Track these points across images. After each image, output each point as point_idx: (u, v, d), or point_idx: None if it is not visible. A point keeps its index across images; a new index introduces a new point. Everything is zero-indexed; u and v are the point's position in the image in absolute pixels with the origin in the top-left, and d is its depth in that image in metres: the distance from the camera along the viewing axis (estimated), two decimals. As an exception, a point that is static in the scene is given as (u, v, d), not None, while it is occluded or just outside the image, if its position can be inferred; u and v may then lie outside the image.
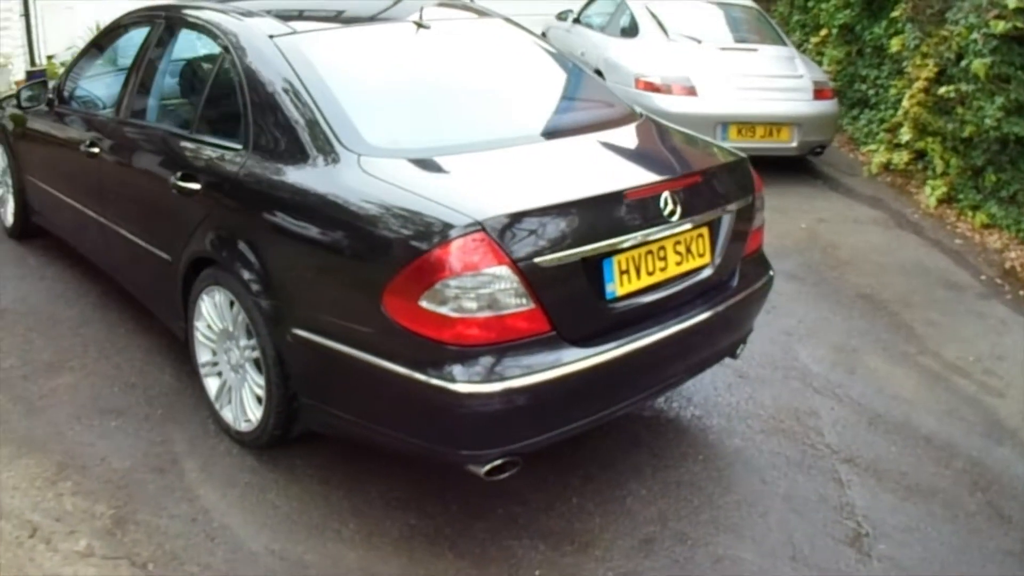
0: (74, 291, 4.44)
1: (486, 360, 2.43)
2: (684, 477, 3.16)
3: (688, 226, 2.84)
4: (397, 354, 2.49)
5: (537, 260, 2.45)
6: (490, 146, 2.92)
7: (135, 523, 2.79)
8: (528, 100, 3.44)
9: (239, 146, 3.05)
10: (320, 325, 2.70)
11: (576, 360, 2.54)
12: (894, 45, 6.94)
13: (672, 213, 2.76)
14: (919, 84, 6.26)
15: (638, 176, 2.88)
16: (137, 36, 3.92)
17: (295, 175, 2.82)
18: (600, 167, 2.99)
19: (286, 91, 2.95)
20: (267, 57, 3.08)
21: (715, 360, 3.30)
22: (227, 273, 3.01)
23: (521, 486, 2.98)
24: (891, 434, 3.53)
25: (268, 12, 3.41)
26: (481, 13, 3.93)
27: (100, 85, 4.17)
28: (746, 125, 6.76)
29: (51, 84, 4.45)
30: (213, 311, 3.16)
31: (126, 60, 3.96)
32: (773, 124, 6.79)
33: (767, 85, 6.86)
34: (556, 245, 2.50)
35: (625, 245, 2.67)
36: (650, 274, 2.77)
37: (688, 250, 2.89)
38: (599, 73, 7.64)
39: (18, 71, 7.41)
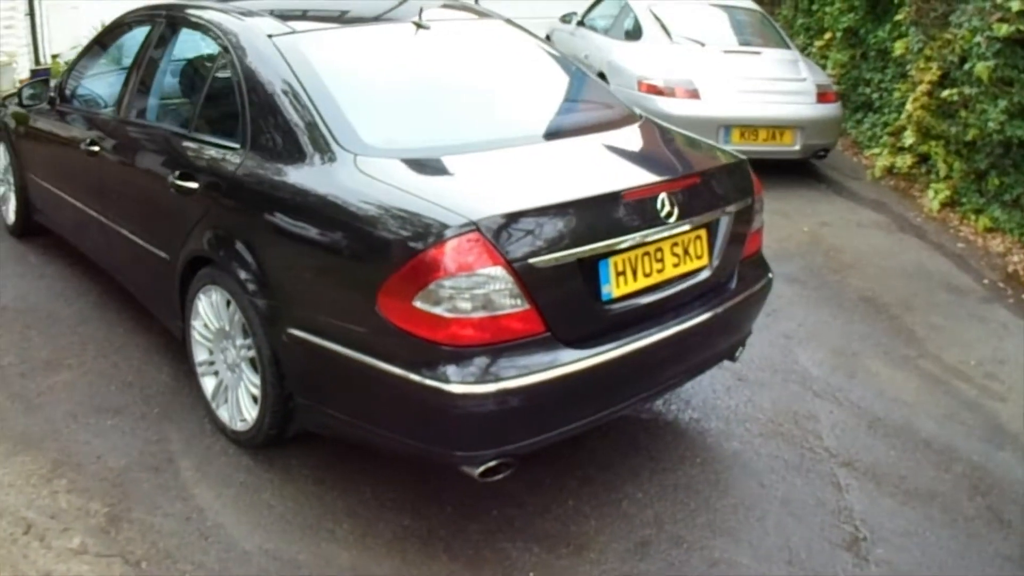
0: (74, 289, 4.44)
1: (480, 361, 2.42)
2: (681, 480, 3.15)
3: (686, 227, 2.83)
4: (392, 354, 2.48)
5: (532, 261, 2.44)
6: (488, 147, 2.92)
7: (129, 521, 2.78)
8: (527, 101, 3.43)
9: (237, 145, 3.05)
10: (315, 325, 2.70)
11: (571, 361, 2.53)
12: (898, 48, 6.93)
13: (669, 214, 2.74)
14: (922, 87, 6.24)
15: (635, 177, 2.87)
16: (138, 35, 3.92)
17: (292, 174, 2.82)
18: (597, 168, 2.98)
19: (284, 91, 2.95)
20: (265, 57, 3.08)
21: (713, 362, 3.29)
22: (224, 272, 3.01)
23: (517, 488, 2.97)
24: (891, 438, 3.51)
25: (268, 12, 3.41)
26: (481, 14, 3.92)
27: (101, 84, 4.18)
28: (749, 128, 6.74)
29: (52, 83, 4.45)
30: (210, 310, 3.16)
31: (127, 59, 3.97)
32: (776, 127, 6.77)
33: (770, 88, 6.84)
34: (551, 246, 2.49)
35: (622, 246, 2.65)
36: (647, 276, 2.76)
37: (686, 252, 2.88)
38: (602, 76, 7.65)
39: (23, 70, 7.43)
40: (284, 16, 3.37)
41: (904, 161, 6.68)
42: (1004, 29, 5.29)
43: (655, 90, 6.89)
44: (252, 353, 2.97)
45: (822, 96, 6.91)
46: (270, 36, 3.14)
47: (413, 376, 2.43)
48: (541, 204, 2.53)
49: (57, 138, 4.29)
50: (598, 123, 3.35)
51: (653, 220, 2.72)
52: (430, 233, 2.40)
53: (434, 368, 2.41)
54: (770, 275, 3.35)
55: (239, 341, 3.04)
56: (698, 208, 2.88)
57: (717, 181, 3.07)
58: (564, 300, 2.56)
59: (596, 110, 3.57)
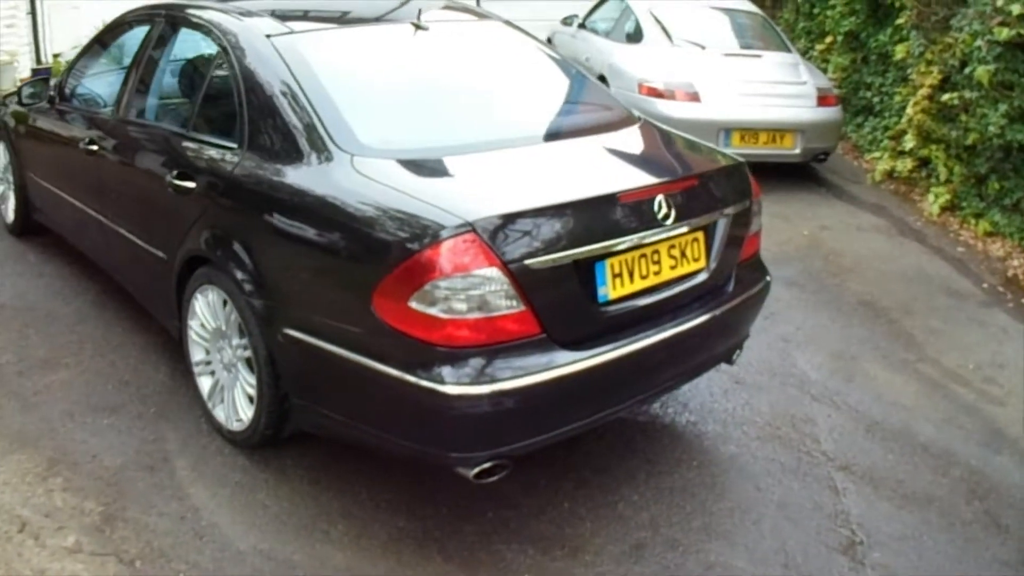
0: (72, 288, 4.44)
1: (476, 362, 2.42)
2: (677, 483, 3.14)
3: (682, 230, 2.82)
4: (387, 355, 2.48)
5: (528, 262, 2.44)
6: (485, 148, 2.91)
7: (124, 520, 2.78)
8: (525, 102, 3.43)
9: (234, 145, 3.05)
10: (311, 325, 2.70)
11: (567, 363, 2.52)
12: (899, 52, 6.92)
13: (666, 216, 2.74)
14: (923, 91, 6.24)
15: (632, 179, 2.87)
16: (137, 34, 3.92)
17: (288, 174, 2.82)
18: (594, 170, 2.98)
19: (281, 91, 2.95)
20: (263, 56, 3.08)
21: (710, 365, 3.28)
22: (220, 272, 3.01)
23: (513, 490, 2.97)
24: (888, 442, 3.50)
25: (267, 12, 3.41)
26: (480, 15, 3.92)
27: (100, 83, 4.18)
28: (749, 131, 6.74)
29: (52, 82, 4.46)
30: (207, 310, 3.16)
31: (126, 58, 3.97)
32: (776, 130, 6.77)
33: (771, 91, 6.84)
34: (547, 247, 2.49)
35: (618, 248, 2.65)
36: (643, 278, 2.76)
37: (683, 254, 2.88)
38: (603, 78, 7.64)
39: (24, 69, 7.43)
40: (283, 16, 3.37)
41: (904, 165, 6.68)
42: (1005, 33, 5.28)
43: (655, 93, 6.89)
44: (248, 353, 2.96)
45: (822, 99, 6.90)
46: (268, 36, 3.14)
47: (408, 377, 2.43)
48: (537, 205, 2.53)
49: (56, 137, 4.30)
50: (596, 125, 3.35)
51: (650, 222, 2.71)
52: (426, 234, 2.40)
53: (429, 369, 2.41)
54: (768, 278, 3.34)
55: (235, 341, 3.04)
56: (695, 210, 2.87)
57: (715, 183, 3.06)
58: (560, 302, 2.56)
59: (594, 112, 3.57)
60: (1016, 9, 5.21)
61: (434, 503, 2.93)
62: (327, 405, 2.79)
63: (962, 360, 4.23)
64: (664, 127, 3.52)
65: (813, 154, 6.97)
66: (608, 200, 2.66)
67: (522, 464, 2.75)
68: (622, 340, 2.67)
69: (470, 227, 2.38)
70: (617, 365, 2.65)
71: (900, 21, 6.99)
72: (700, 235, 2.93)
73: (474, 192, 2.67)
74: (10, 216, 5.05)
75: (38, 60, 7.74)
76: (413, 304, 2.39)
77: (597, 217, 2.63)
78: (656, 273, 2.80)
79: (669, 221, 2.75)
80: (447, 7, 3.94)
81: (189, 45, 3.59)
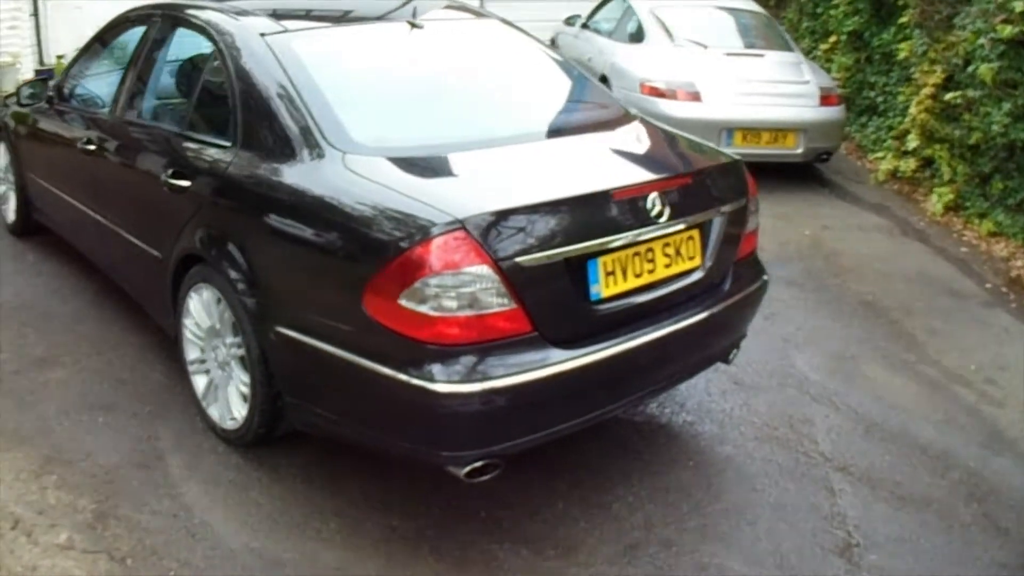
0: (71, 288, 4.44)
1: (466, 360, 2.41)
2: (673, 483, 3.12)
3: (677, 228, 2.80)
4: (377, 353, 2.47)
5: (519, 260, 2.43)
6: (479, 145, 2.90)
7: (116, 518, 2.78)
8: (520, 100, 3.42)
9: (228, 143, 3.05)
10: (303, 323, 2.69)
11: (558, 361, 2.51)
12: (902, 51, 6.89)
13: (660, 214, 2.72)
14: (927, 90, 6.21)
15: (625, 176, 2.84)
16: (134, 34, 3.93)
17: (281, 173, 2.81)
18: (588, 167, 2.96)
19: (274, 89, 2.95)
20: (257, 55, 3.08)
21: (706, 364, 3.27)
22: (214, 270, 3.00)
23: (506, 489, 2.95)
24: (887, 443, 3.48)
25: (263, 11, 3.41)
26: (477, 14, 3.91)
27: (97, 83, 4.18)
28: (751, 131, 6.71)
29: (51, 82, 4.47)
30: (201, 308, 3.16)
31: (123, 58, 3.97)
32: (778, 130, 6.74)
33: (773, 91, 6.81)
34: (539, 245, 2.47)
35: (611, 246, 2.63)
36: (637, 276, 2.74)
37: (677, 252, 2.86)
38: (605, 78, 7.63)
39: (27, 70, 7.45)
40: (279, 15, 3.38)
41: (908, 165, 6.64)
42: (1008, 31, 5.25)
43: (657, 92, 6.86)
44: (242, 352, 2.96)
45: (825, 99, 6.87)
46: (263, 35, 3.14)
47: (398, 375, 2.42)
48: (528, 203, 2.52)
49: (54, 137, 4.30)
50: (591, 122, 3.34)
51: (643, 220, 2.70)
52: (416, 231, 2.39)
53: (419, 367, 2.40)
54: (765, 277, 3.32)
55: (229, 339, 3.03)
56: (690, 208, 2.85)
57: (710, 181, 3.05)
58: (552, 300, 2.54)
59: (590, 110, 3.56)
60: (1019, 6, 5.18)
61: (427, 502, 2.91)
62: (319, 404, 2.78)
63: (963, 361, 4.20)
64: (660, 125, 3.50)
65: (816, 154, 6.93)
66: (601, 197, 2.65)
67: (516, 463, 2.74)
68: (615, 339, 2.66)
69: (460, 224, 2.37)
70: (610, 364, 2.63)
71: (903, 20, 6.96)
72: (695, 233, 2.91)
73: (465, 189, 2.66)
74: (11, 216, 5.06)
75: (41, 61, 7.76)
76: (403, 302, 2.38)
77: (589, 214, 2.61)
78: (650, 271, 2.78)
79: (663, 219, 2.73)
80: (444, 6, 3.93)
81: (185, 44, 3.59)
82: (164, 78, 3.70)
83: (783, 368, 4.03)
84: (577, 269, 2.58)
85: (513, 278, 2.42)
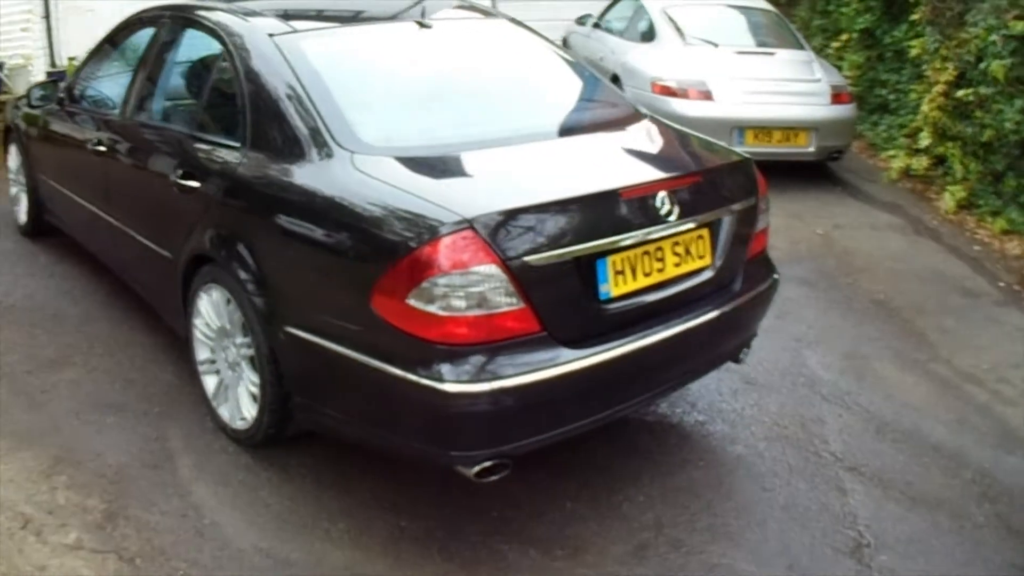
0: (81, 289, 4.46)
1: (475, 359, 2.40)
2: (683, 483, 3.11)
3: (686, 226, 2.79)
4: (386, 353, 2.46)
5: (528, 259, 2.42)
6: (487, 145, 2.90)
7: (126, 518, 2.79)
8: (529, 99, 3.41)
9: (237, 144, 3.05)
10: (312, 323, 2.69)
11: (567, 361, 2.50)
12: (914, 49, 6.84)
13: (669, 213, 2.71)
14: (938, 88, 6.17)
15: (634, 175, 2.83)
16: (144, 36, 3.95)
17: (290, 173, 2.82)
18: (597, 166, 2.95)
19: (283, 89, 2.95)
20: (266, 55, 3.08)
21: (716, 364, 3.25)
22: (224, 271, 3.01)
23: (517, 489, 2.94)
24: (899, 443, 3.45)
25: (272, 12, 3.42)
26: (486, 13, 3.91)
27: (107, 84, 4.20)
28: (763, 130, 6.68)
29: (62, 83, 4.49)
30: (211, 309, 3.16)
31: (133, 59, 3.98)
32: (790, 128, 6.70)
33: (784, 89, 6.77)
34: (547, 244, 2.46)
35: (620, 245, 2.62)
36: (647, 275, 2.73)
37: (687, 251, 2.84)
38: (616, 78, 7.62)
39: (38, 72, 7.49)
40: (288, 16, 3.38)
41: (920, 163, 6.60)
42: (1020, 27, 5.22)
43: (668, 91, 6.84)
44: (251, 352, 2.96)
45: (836, 97, 6.83)
46: (271, 36, 3.14)
47: (407, 375, 2.42)
48: (537, 202, 2.51)
49: (65, 138, 4.33)
50: (601, 121, 3.33)
51: (653, 219, 2.69)
52: (424, 230, 2.39)
53: (428, 367, 2.39)
54: (776, 276, 3.30)
55: (239, 340, 3.04)
56: (699, 207, 2.84)
57: (720, 180, 3.03)
58: (561, 299, 2.54)
59: (599, 108, 3.55)
60: (1032, 3, 5.15)
61: (437, 503, 2.91)
62: (329, 404, 2.78)
63: (976, 360, 4.17)
64: (670, 124, 3.48)
65: (827, 152, 6.89)
66: (609, 196, 2.64)
67: (526, 463, 2.73)
68: (624, 338, 2.65)
69: (468, 224, 2.36)
70: (619, 363, 2.62)
71: (915, 17, 6.91)
72: (705, 232, 2.90)
73: (474, 189, 2.66)
74: (23, 217, 5.09)
75: (53, 63, 7.79)
76: (412, 301, 2.37)
77: (598, 213, 2.60)
78: (660, 270, 2.77)
79: (672, 217, 2.72)
80: (453, 6, 3.92)
81: (194, 45, 3.59)
82: (174, 79, 3.71)
83: (794, 367, 4.01)
84: (586, 268, 2.57)
85: (522, 277, 2.41)
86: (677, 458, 3.25)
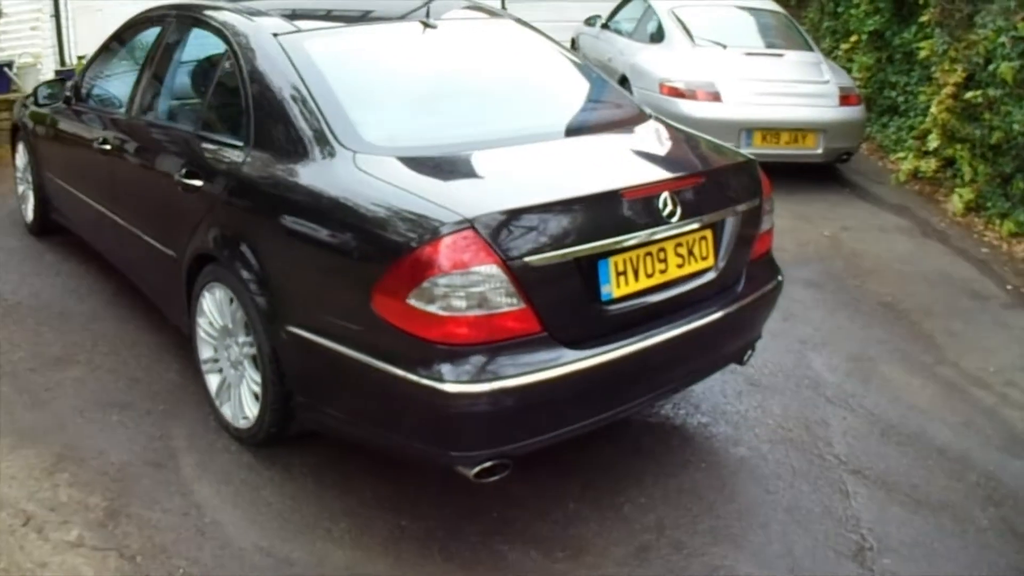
0: (88, 287, 4.48)
1: (475, 360, 2.39)
2: (685, 485, 3.09)
3: (689, 227, 2.78)
4: (386, 353, 2.46)
5: (528, 259, 2.41)
6: (489, 145, 2.89)
7: (127, 516, 2.79)
8: (533, 99, 3.41)
9: (241, 143, 3.06)
10: (313, 323, 2.69)
11: (568, 362, 2.49)
12: (923, 50, 6.81)
13: (672, 214, 2.70)
14: (947, 90, 6.13)
15: (637, 176, 2.82)
16: (149, 35, 3.96)
17: (292, 172, 2.82)
18: (600, 166, 2.95)
19: (286, 89, 2.95)
20: (270, 55, 3.08)
21: (720, 366, 3.24)
22: (227, 270, 3.01)
23: (518, 490, 2.94)
24: (903, 445, 3.43)
25: (278, 12, 3.42)
26: (492, 14, 3.90)
27: (113, 83, 4.22)
28: (771, 131, 6.66)
29: (68, 82, 4.51)
30: (214, 308, 3.17)
31: (138, 58, 4.00)
32: (798, 130, 6.68)
33: (792, 91, 6.75)
34: (548, 244, 2.46)
35: (622, 246, 2.61)
36: (649, 276, 2.72)
37: (690, 252, 2.83)
38: (625, 79, 7.61)
39: (48, 71, 7.52)
40: (293, 16, 3.39)
41: (929, 165, 6.57)
42: (1030, 29, 5.19)
43: (676, 93, 6.83)
44: (254, 351, 2.97)
45: (845, 99, 6.81)
46: (275, 35, 3.15)
47: (408, 375, 2.41)
48: (538, 202, 2.50)
49: (71, 137, 4.34)
50: (604, 122, 3.32)
51: (655, 219, 2.68)
52: (425, 230, 2.38)
53: (429, 367, 2.39)
54: (780, 277, 3.29)
55: (241, 339, 3.04)
56: (702, 208, 2.83)
57: (723, 181, 3.02)
58: (562, 299, 2.53)
59: (603, 109, 3.54)
60: (1041, 5, 5.12)
61: (438, 502, 2.91)
62: (330, 403, 2.78)
63: (983, 363, 4.14)
64: (674, 124, 3.47)
65: (836, 154, 6.87)
66: (611, 197, 2.63)
67: (528, 464, 2.73)
68: (626, 339, 2.64)
69: (469, 224, 2.36)
70: (621, 364, 2.61)
71: (924, 19, 6.88)
72: (708, 233, 2.89)
73: (475, 189, 2.65)
74: (30, 215, 5.12)
75: (62, 62, 7.83)
76: (412, 301, 2.37)
77: (600, 214, 2.60)
78: (662, 271, 2.76)
79: (675, 218, 2.71)
80: (459, 6, 3.92)
81: (199, 45, 3.60)
82: (178, 78, 3.72)
83: (800, 370, 3.99)
84: (588, 269, 2.56)
85: (522, 278, 2.41)
86: (680, 459, 3.24)
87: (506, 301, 2.40)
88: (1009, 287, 5.11)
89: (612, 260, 2.61)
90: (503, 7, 9.79)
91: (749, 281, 3.08)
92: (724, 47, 7.18)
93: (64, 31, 7.86)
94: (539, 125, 3.18)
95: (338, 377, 2.69)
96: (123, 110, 3.87)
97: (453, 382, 2.37)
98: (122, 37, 4.32)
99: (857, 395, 3.79)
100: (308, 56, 3.04)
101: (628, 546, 2.77)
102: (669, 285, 2.78)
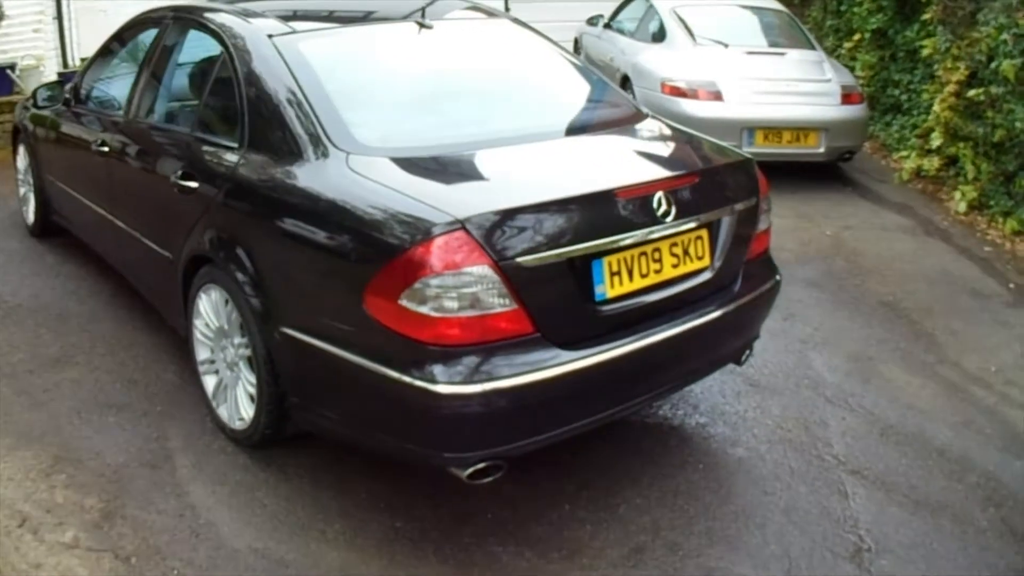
0: (87, 289, 4.49)
1: (468, 361, 2.39)
2: (682, 486, 3.08)
3: (684, 227, 2.77)
4: (378, 354, 2.46)
5: (521, 260, 2.41)
6: (483, 145, 2.89)
7: (123, 517, 2.79)
8: (528, 99, 3.40)
9: (235, 144, 3.06)
10: (307, 324, 2.69)
11: (561, 363, 2.48)
12: (926, 48, 6.78)
13: (666, 214, 2.69)
14: (950, 88, 6.10)
15: (631, 175, 2.80)
16: (147, 36, 3.97)
17: (286, 173, 2.82)
18: (594, 166, 2.93)
19: (280, 90, 2.95)
20: (264, 57, 3.08)
21: (717, 366, 3.23)
22: (222, 271, 3.02)
23: (514, 491, 2.93)
24: (903, 446, 3.41)
25: (274, 13, 3.42)
26: (489, 14, 3.90)
27: (111, 85, 4.23)
28: (772, 130, 6.63)
29: (67, 84, 4.52)
30: (210, 309, 3.17)
31: (136, 61, 4.01)
32: (800, 129, 6.65)
33: (794, 89, 6.73)
34: (541, 245, 2.45)
35: (616, 246, 2.60)
36: (643, 276, 2.71)
37: (685, 252, 2.82)
38: (627, 78, 7.60)
39: (50, 73, 7.54)
40: (288, 17, 3.38)
41: (932, 163, 6.54)
42: (1032, 27, 5.16)
43: (678, 92, 6.81)
44: (249, 352, 2.96)
45: (847, 97, 6.78)
46: (270, 36, 3.15)
47: (400, 376, 2.41)
48: (530, 202, 2.49)
49: (70, 139, 4.35)
50: (600, 122, 3.32)
51: (649, 219, 2.66)
52: (416, 231, 2.38)
53: (421, 368, 2.38)
54: (778, 277, 3.27)
55: (237, 340, 3.04)
56: (698, 207, 2.82)
57: (719, 180, 3.01)
58: (555, 300, 2.52)
59: (600, 109, 3.53)
60: (1044, 2, 5.09)
61: (434, 504, 2.90)
62: (323, 404, 2.78)
63: (984, 362, 4.12)
64: (672, 124, 3.46)
65: (838, 153, 6.84)
66: (604, 197, 2.62)
67: (524, 465, 2.73)
68: (621, 340, 2.63)
69: (461, 225, 2.36)
70: (615, 365, 2.60)
71: (926, 16, 6.85)
72: (704, 233, 2.87)
73: (467, 190, 2.65)
74: (30, 217, 5.13)
75: (65, 64, 7.84)
76: (404, 302, 2.37)
77: (593, 214, 2.59)
78: (657, 271, 2.75)
79: (669, 218, 2.70)
80: (455, 7, 3.91)
81: (195, 47, 3.60)
82: (175, 80, 3.72)
83: (799, 370, 3.97)
84: (581, 269, 2.55)
85: (514, 278, 2.40)
86: (677, 460, 3.23)
87: (498, 302, 2.40)
88: (1012, 285, 5.08)
89: (606, 260, 2.60)
90: (506, 7, 9.80)
91: (746, 281, 3.06)
92: (726, 46, 7.16)
93: (67, 33, 7.88)
94: (533, 125, 3.17)
95: (331, 378, 2.69)
96: (121, 112, 3.88)
97: (445, 383, 2.36)
98: (121, 39, 4.33)
99: (857, 395, 3.77)
100: (302, 57, 3.04)
101: (623, 547, 2.76)
102: (664, 285, 2.77)
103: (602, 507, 2.94)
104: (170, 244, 3.39)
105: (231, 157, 3.03)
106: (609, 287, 2.62)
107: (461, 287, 2.35)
